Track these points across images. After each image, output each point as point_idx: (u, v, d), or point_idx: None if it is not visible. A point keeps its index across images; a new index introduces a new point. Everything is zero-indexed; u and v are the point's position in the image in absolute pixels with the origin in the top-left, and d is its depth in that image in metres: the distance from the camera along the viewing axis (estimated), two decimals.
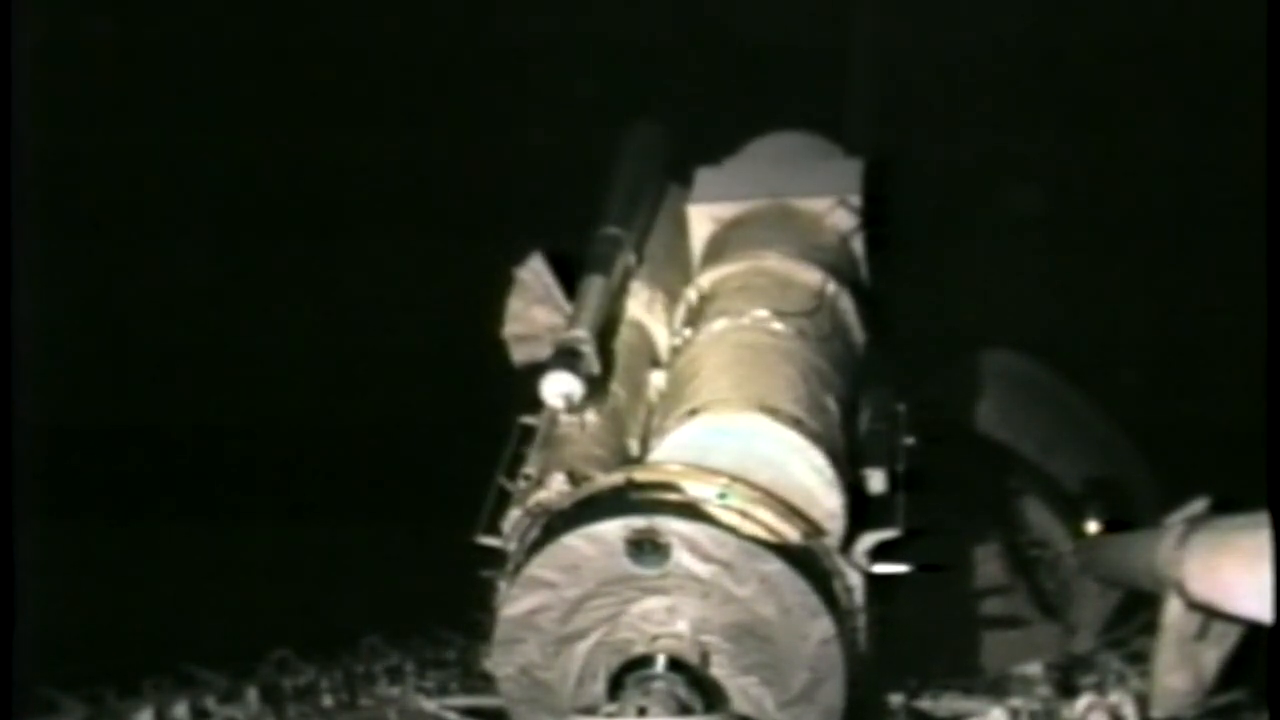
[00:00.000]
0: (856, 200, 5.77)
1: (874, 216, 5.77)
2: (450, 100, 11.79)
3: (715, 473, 4.68)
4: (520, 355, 5.63)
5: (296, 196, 11.67)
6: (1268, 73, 4.95)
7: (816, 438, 4.78)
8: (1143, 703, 5.08)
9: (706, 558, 4.56)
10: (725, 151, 6.39)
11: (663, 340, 5.62)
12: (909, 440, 5.11)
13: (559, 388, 5.02)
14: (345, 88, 11.74)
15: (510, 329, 5.68)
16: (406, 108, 11.73)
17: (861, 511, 4.87)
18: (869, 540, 4.82)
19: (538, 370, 5.13)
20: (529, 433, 5.29)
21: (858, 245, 5.75)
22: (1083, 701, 5.28)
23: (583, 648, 4.72)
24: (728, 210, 5.89)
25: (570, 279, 5.56)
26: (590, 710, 4.59)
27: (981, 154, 11.76)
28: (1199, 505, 4.88)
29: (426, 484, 10.40)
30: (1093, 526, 7.69)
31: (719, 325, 5.22)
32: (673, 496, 4.67)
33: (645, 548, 4.57)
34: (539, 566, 4.67)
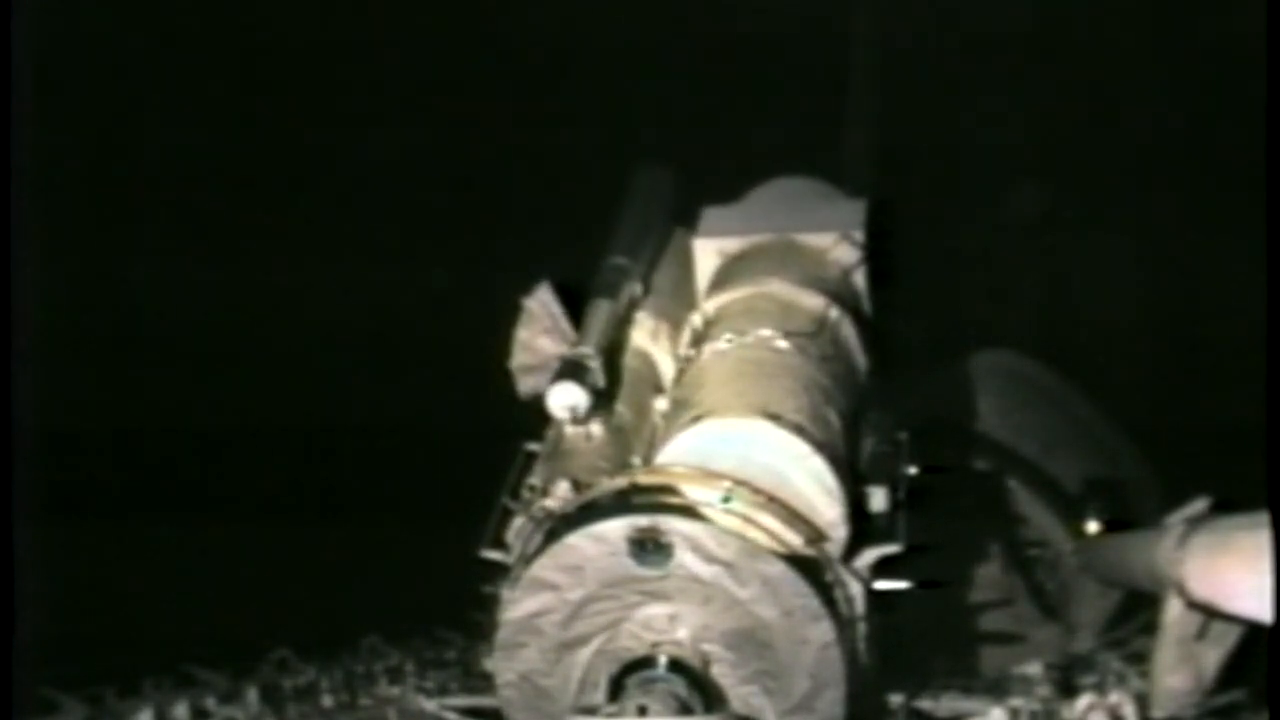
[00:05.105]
0: (859, 236, 5.88)
1: (877, 253, 5.86)
2: (454, 101, 11.82)
3: (719, 476, 4.71)
4: (526, 386, 5.69)
5: (301, 195, 11.69)
6: (1268, 72, 4.96)
7: (819, 446, 4.83)
8: (1143, 703, 5.09)
9: (709, 558, 4.58)
10: (728, 193, 6.50)
11: (667, 369, 5.72)
12: (911, 469, 5.19)
13: (564, 399, 5.08)
14: (349, 87, 11.77)
15: (517, 359, 5.75)
16: (415, 109, 11.76)
17: (863, 526, 4.91)
18: (870, 555, 4.86)
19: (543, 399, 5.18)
20: (533, 458, 5.33)
21: (860, 279, 5.86)
22: (1083, 701, 5.29)
23: (584, 654, 4.74)
24: (733, 244, 6.02)
25: (578, 310, 5.62)
26: (591, 711, 4.60)
27: (981, 151, 11.79)
28: (1199, 505, 4.88)
29: (427, 485, 10.44)
30: (1093, 526, 7.70)
31: (723, 343, 5.30)
32: (676, 500, 4.71)
33: (648, 547, 4.59)
34: (542, 568, 4.70)
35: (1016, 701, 5.71)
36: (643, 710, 4.48)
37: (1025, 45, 11.74)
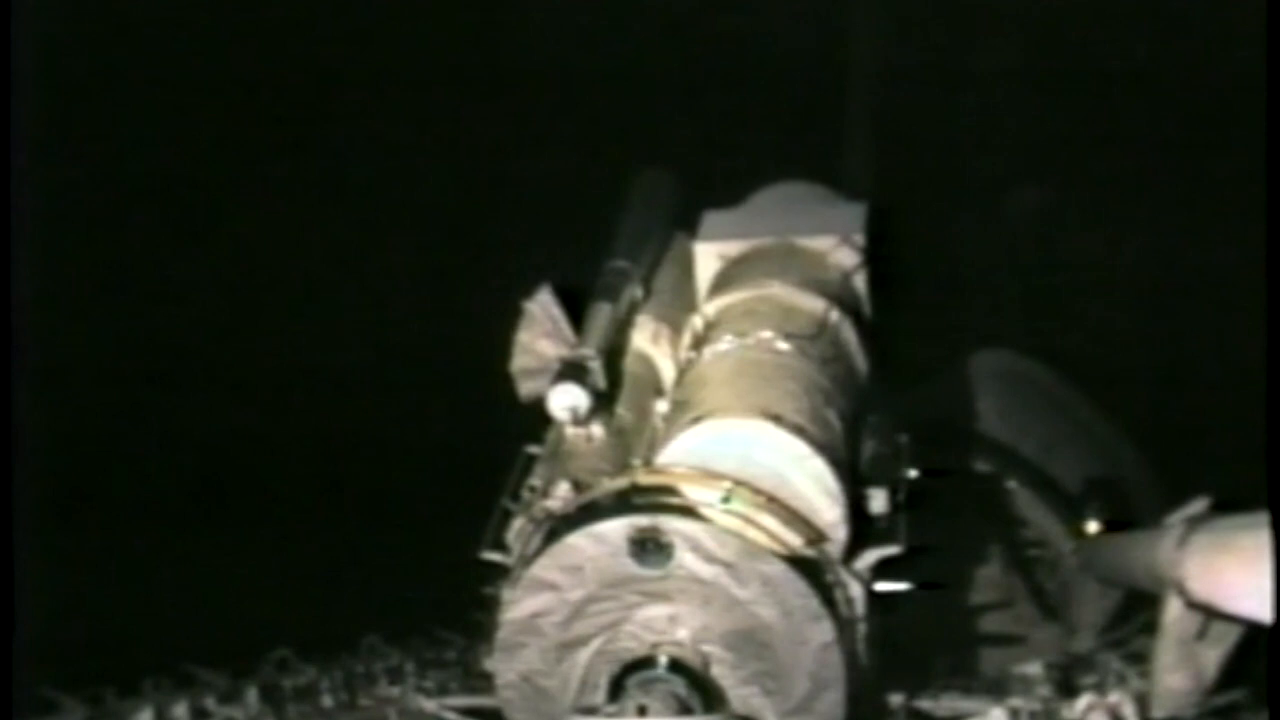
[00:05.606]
0: (860, 239, 5.89)
1: (877, 256, 5.88)
2: (453, 102, 11.84)
3: (719, 477, 4.72)
4: (527, 389, 5.68)
5: (303, 196, 11.71)
6: (1267, 72, 4.96)
7: (819, 447, 4.84)
8: (1143, 703, 5.09)
9: (709, 558, 4.59)
10: (729, 197, 6.52)
11: (668, 372, 5.72)
12: (912, 471, 5.19)
13: (565, 400, 5.08)
14: (350, 88, 11.79)
15: (518, 362, 5.74)
16: (415, 111, 11.79)
17: (863, 527, 4.92)
18: (871, 556, 4.87)
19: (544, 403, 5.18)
20: (533, 460, 5.33)
21: (860, 282, 5.87)
22: (1083, 701, 5.29)
23: (584, 654, 4.74)
24: (733, 248, 6.02)
25: (578, 314, 5.63)
26: (591, 711, 4.61)
27: (980, 151, 11.80)
28: (1199, 505, 4.88)
29: (428, 486, 10.44)
30: (1093, 526, 7.69)
31: (724, 345, 5.31)
32: (676, 500, 4.72)
33: (648, 547, 4.59)
34: (542, 568, 4.70)
35: (1016, 701, 5.71)
36: (643, 710, 4.48)
37: (1026, 45, 11.76)
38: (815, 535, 4.75)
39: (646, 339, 5.80)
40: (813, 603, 4.60)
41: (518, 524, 5.03)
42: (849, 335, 5.54)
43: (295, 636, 7.24)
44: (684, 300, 5.99)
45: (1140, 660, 5.80)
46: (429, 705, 7.11)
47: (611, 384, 5.33)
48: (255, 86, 11.57)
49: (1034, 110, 11.72)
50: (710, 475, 4.75)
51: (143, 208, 11.57)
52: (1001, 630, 7.78)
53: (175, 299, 11.60)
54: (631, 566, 4.63)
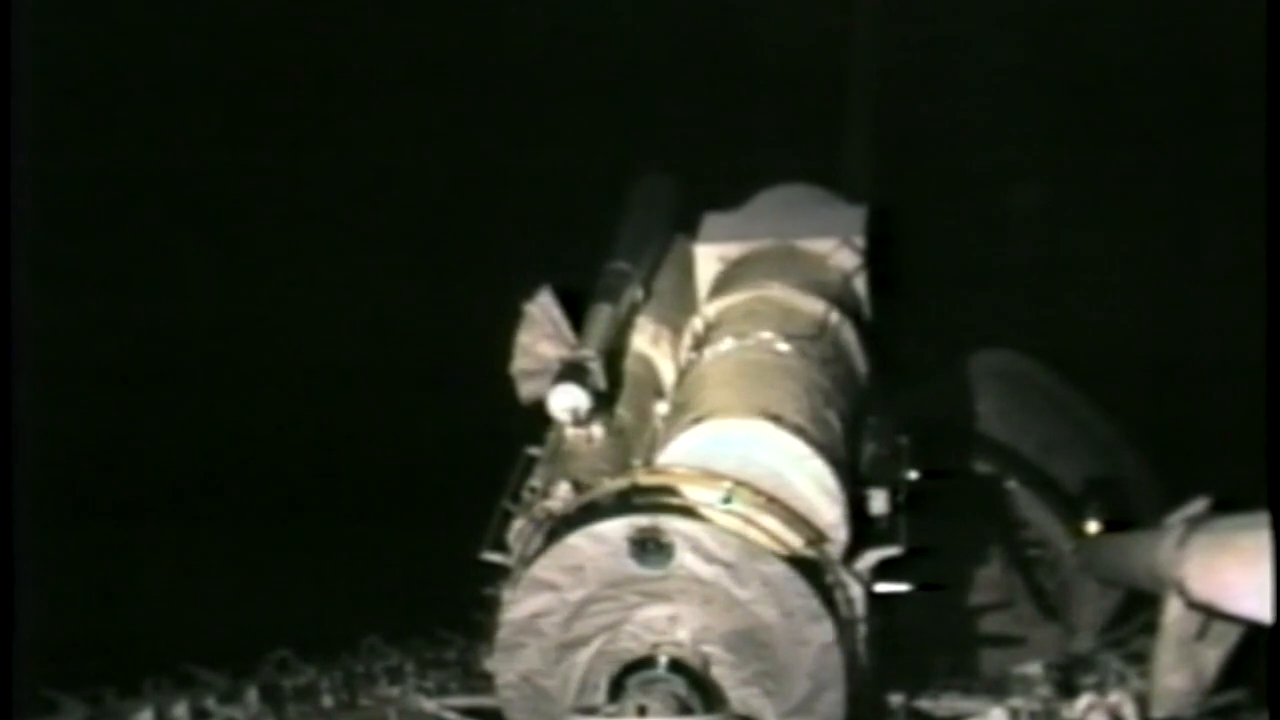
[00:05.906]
0: (860, 241, 5.92)
1: (877, 258, 5.89)
2: (451, 106, 11.85)
3: (720, 477, 4.73)
4: (527, 391, 5.69)
5: (304, 198, 11.71)
6: (1267, 71, 4.97)
7: (819, 447, 4.86)
8: (1143, 703, 5.09)
9: (709, 558, 4.60)
10: (730, 200, 6.52)
11: (668, 374, 5.75)
12: (912, 473, 5.22)
13: (566, 400, 5.09)
14: (353, 91, 11.79)
15: (518, 364, 5.75)
16: (415, 116, 11.79)
17: (864, 528, 4.94)
18: (871, 557, 4.88)
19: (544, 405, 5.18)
20: (533, 462, 5.34)
21: (860, 284, 5.90)
22: (1083, 701, 5.29)
23: (584, 654, 4.75)
24: (733, 250, 6.05)
25: (579, 315, 5.64)
26: (591, 711, 4.61)
27: (980, 150, 11.81)
28: (1199, 505, 4.88)
29: (428, 488, 10.45)
30: (1093, 526, 7.70)
31: (724, 346, 5.33)
32: (677, 500, 4.73)
33: (649, 547, 4.60)
34: (543, 568, 4.72)
35: (1016, 701, 5.71)
36: (643, 710, 4.49)
37: (1025, 42, 11.76)
38: (815, 536, 4.76)
39: (647, 340, 5.81)
40: (813, 603, 4.61)
41: (518, 524, 5.05)
42: (849, 336, 5.56)
43: (295, 636, 7.24)
44: (684, 302, 6.00)
45: (1140, 660, 5.80)
46: (429, 705, 7.12)
47: (612, 385, 5.34)
48: (255, 83, 11.58)
49: (1034, 108, 11.71)
50: (711, 476, 4.76)
51: (142, 205, 11.57)
52: (1001, 630, 7.78)
53: (175, 297, 11.59)
54: (632, 567, 4.64)
